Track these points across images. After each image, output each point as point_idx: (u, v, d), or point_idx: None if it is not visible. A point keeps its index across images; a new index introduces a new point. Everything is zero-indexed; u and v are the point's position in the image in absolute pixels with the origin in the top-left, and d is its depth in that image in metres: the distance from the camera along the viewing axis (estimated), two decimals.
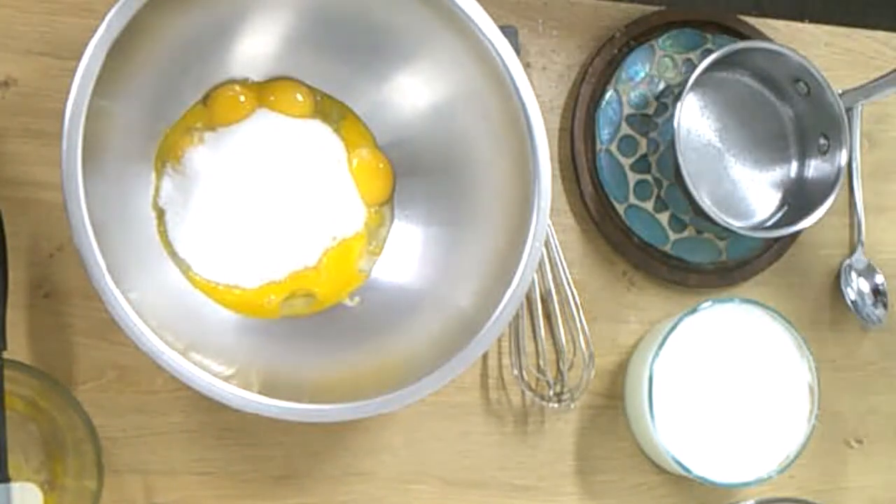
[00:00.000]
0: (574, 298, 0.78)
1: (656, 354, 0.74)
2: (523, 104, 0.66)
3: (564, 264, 0.78)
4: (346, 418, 0.62)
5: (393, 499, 0.74)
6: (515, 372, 0.77)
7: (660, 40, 0.82)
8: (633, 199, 0.80)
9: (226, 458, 0.71)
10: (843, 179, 0.80)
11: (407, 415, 0.74)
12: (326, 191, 0.71)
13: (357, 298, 0.71)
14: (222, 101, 0.70)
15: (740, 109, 0.83)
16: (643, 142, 0.81)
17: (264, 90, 0.71)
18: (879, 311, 0.86)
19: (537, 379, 0.77)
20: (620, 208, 0.80)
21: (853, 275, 0.85)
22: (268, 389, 0.60)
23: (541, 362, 0.77)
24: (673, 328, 0.75)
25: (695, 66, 0.77)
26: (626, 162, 0.80)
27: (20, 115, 0.69)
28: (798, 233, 0.84)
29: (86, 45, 0.57)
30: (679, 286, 0.81)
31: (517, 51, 0.71)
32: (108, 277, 0.57)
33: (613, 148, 0.80)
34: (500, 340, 0.77)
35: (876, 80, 0.81)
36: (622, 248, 0.80)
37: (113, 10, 0.58)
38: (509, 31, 0.75)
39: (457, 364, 0.63)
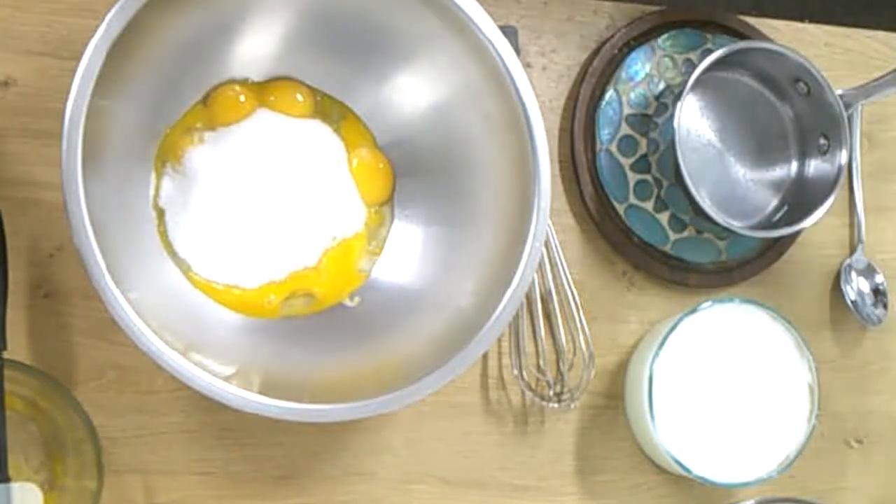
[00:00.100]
0: (574, 298, 0.78)
1: (656, 354, 0.74)
2: (523, 104, 0.66)
3: (564, 264, 0.78)
4: (346, 418, 0.62)
5: (393, 499, 0.74)
6: (515, 372, 0.77)
7: (660, 40, 0.82)
8: (633, 199, 0.80)
9: (226, 458, 0.71)
10: (842, 179, 0.80)
11: (407, 415, 0.74)
12: (326, 191, 0.71)
13: (357, 298, 0.71)
14: (222, 101, 0.70)
15: (740, 109, 0.83)
16: (643, 142, 0.81)
17: (264, 90, 0.71)
18: (879, 311, 0.86)
19: (537, 379, 0.77)
20: (620, 208, 0.80)
21: (853, 275, 0.85)
22: (268, 389, 0.60)
23: (541, 362, 0.77)
24: (673, 328, 0.75)
25: (695, 66, 0.76)
26: (626, 162, 0.80)
27: (20, 115, 0.69)
28: (798, 233, 0.84)
29: (86, 45, 0.57)
30: (679, 286, 0.81)
31: (517, 51, 0.71)
32: (108, 277, 0.57)
33: (613, 148, 0.80)
34: (500, 340, 0.77)
35: (876, 80, 0.81)
36: (622, 248, 0.80)
37: (113, 10, 0.58)
38: (509, 31, 0.75)
39: (457, 364, 0.63)
